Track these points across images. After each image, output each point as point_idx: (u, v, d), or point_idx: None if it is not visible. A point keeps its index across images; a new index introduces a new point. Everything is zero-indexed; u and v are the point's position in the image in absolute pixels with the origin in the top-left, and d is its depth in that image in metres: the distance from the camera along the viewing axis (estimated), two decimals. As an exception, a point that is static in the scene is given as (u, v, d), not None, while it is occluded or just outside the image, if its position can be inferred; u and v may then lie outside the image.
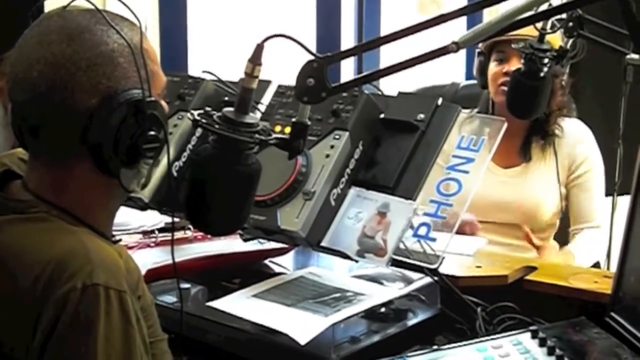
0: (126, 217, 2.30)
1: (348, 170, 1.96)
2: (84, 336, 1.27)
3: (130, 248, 2.21)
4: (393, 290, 1.98)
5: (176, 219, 2.13)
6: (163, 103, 1.49)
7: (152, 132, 1.41)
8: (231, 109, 1.51)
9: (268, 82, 2.16)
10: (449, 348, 1.66)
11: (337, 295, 1.92)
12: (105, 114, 1.36)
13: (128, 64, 1.39)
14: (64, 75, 1.35)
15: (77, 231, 1.38)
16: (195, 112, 1.51)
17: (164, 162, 1.91)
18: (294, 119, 1.58)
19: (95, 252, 1.33)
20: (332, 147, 1.94)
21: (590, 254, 2.82)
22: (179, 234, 2.32)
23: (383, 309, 1.90)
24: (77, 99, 1.36)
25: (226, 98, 2.16)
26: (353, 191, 1.95)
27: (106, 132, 1.37)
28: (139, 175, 1.44)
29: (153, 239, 2.31)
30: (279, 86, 2.14)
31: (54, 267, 1.29)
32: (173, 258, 1.59)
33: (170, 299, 1.92)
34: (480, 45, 2.91)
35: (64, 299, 1.27)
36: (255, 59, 1.48)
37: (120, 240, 1.53)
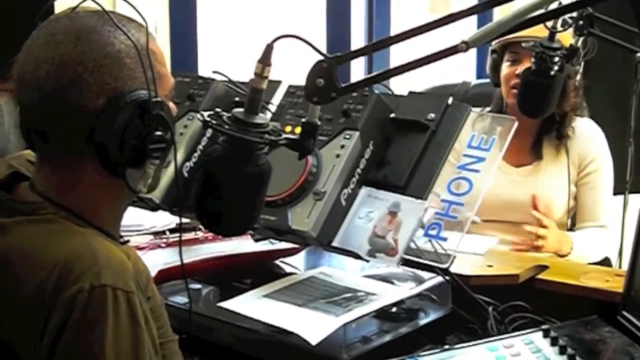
0: (137, 218, 2.30)
1: (359, 170, 1.96)
2: (93, 337, 1.27)
3: (142, 249, 2.21)
4: (404, 290, 1.98)
5: (187, 220, 2.14)
6: (171, 104, 1.49)
7: (159, 133, 1.41)
8: (241, 109, 1.51)
9: (278, 83, 2.16)
10: (461, 347, 1.66)
11: (349, 295, 1.92)
12: (111, 115, 1.37)
13: (135, 64, 1.40)
14: (70, 76, 1.36)
15: (84, 232, 1.38)
16: (205, 113, 1.52)
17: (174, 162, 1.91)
18: (304, 119, 1.58)
19: (103, 253, 1.33)
20: (342, 147, 1.94)
21: (588, 251, 2.80)
22: (190, 235, 2.32)
23: (394, 309, 1.90)
24: (84, 100, 1.36)
25: (237, 98, 2.17)
26: (364, 191, 1.95)
27: (112, 132, 1.37)
28: (146, 176, 1.44)
29: (164, 240, 2.31)
30: (289, 86, 2.14)
31: (61, 269, 1.29)
32: (181, 258, 1.59)
33: (181, 299, 1.92)
34: (492, 43, 2.90)
35: (72, 301, 1.27)
36: (265, 60, 1.48)
37: (128, 241, 1.53)
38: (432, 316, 1.94)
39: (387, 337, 1.84)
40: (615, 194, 2.93)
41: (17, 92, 1.41)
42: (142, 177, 1.44)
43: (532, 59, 2.23)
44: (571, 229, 2.94)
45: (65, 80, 1.36)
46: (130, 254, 1.47)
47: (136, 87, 1.39)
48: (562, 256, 2.73)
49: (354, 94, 1.99)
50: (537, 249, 2.65)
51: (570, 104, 2.83)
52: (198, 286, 2.01)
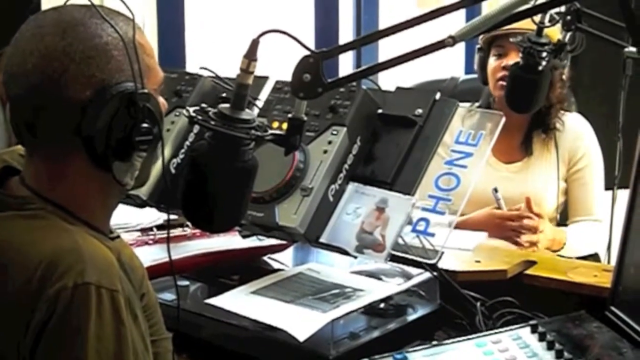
0: (124, 215, 2.29)
1: (346, 166, 1.95)
2: (75, 335, 1.26)
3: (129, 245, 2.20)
4: (392, 286, 1.97)
5: (175, 216, 2.13)
6: (161, 99, 1.48)
7: (145, 125, 1.40)
8: (227, 105, 1.50)
9: (266, 78, 2.16)
10: (449, 343, 1.66)
11: (336, 291, 1.92)
12: (98, 107, 1.36)
13: (122, 57, 1.39)
14: (57, 68, 1.35)
15: (71, 229, 1.37)
16: (191, 109, 1.51)
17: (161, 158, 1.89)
18: (290, 115, 1.57)
19: (88, 250, 1.32)
20: (329, 142, 1.94)
21: (583, 244, 2.81)
22: (177, 231, 2.31)
23: (382, 305, 1.90)
24: (71, 92, 1.35)
25: (223, 94, 2.16)
26: (351, 187, 1.95)
27: (99, 124, 1.36)
28: (133, 169, 1.43)
29: (151, 237, 2.30)
30: (277, 82, 2.14)
31: (46, 266, 1.28)
32: (169, 255, 1.58)
33: (168, 296, 1.91)
34: (479, 40, 2.90)
35: (55, 298, 1.26)
36: (251, 55, 1.47)
37: (118, 236, 1.52)
38: (420, 312, 1.94)
39: (375, 333, 1.84)
40: (604, 189, 2.93)
41: (5, 85, 1.41)
42: (129, 170, 1.43)
43: (520, 54, 2.23)
44: (562, 224, 2.94)
45: (51, 72, 1.35)
46: (124, 251, 1.47)
47: (123, 79, 1.39)
48: (554, 251, 2.73)
49: (342, 90, 1.99)
50: (533, 244, 2.65)
51: (556, 96, 2.83)
52: (186, 283, 2.00)
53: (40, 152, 1.43)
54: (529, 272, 2.11)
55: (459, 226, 2.49)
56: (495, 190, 2.74)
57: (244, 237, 2.13)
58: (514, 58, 2.64)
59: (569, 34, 2.20)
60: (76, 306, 1.26)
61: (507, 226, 2.72)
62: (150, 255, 2.07)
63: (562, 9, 2.15)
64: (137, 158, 1.42)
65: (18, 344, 1.28)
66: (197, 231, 2.31)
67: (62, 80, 1.36)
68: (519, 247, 2.66)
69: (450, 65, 4.62)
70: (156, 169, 1.86)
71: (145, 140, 1.41)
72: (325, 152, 1.93)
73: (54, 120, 1.38)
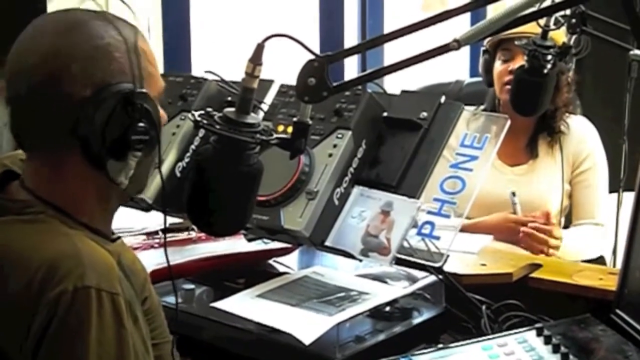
0: (130, 219, 2.30)
1: (351, 169, 1.95)
2: (76, 339, 1.27)
3: (134, 249, 2.20)
4: (398, 289, 1.97)
5: (180, 220, 2.14)
6: (161, 110, 1.48)
7: (142, 125, 1.40)
8: (232, 109, 1.51)
9: (271, 82, 2.16)
10: (455, 347, 1.66)
11: (342, 294, 1.92)
12: (95, 105, 1.36)
13: (124, 59, 1.40)
14: (59, 66, 1.36)
15: (70, 233, 1.37)
16: (197, 113, 1.51)
17: (167, 163, 1.90)
18: (295, 119, 1.58)
19: (88, 254, 1.32)
20: (335, 146, 1.94)
21: (581, 247, 2.80)
22: (183, 235, 2.31)
23: (388, 308, 1.90)
24: (71, 90, 1.36)
25: (229, 98, 2.16)
26: (356, 190, 1.95)
27: (95, 123, 1.36)
28: (127, 168, 1.42)
29: (156, 240, 2.30)
30: (282, 85, 2.14)
31: (45, 270, 1.29)
32: (167, 258, 1.58)
33: (174, 299, 1.92)
34: (485, 43, 2.90)
35: (56, 302, 1.27)
36: (256, 59, 1.48)
37: (119, 237, 1.52)
38: (426, 315, 1.94)
39: (381, 337, 1.84)
40: (609, 192, 2.93)
41: (7, 84, 1.41)
42: (124, 169, 1.42)
43: (525, 57, 2.23)
44: (566, 227, 2.94)
45: (53, 70, 1.36)
46: (126, 255, 1.47)
47: (123, 80, 1.39)
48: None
49: (347, 93, 1.99)
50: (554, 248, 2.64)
51: (562, 100, 2.84)
52: (191, 286, 2.00)
53: (39, 152, 1.43)
54: (534, 275, 2.11)
55: (472, 229, 2.52)
56: (513, 194, 2.73)
57: (250, 240, 2.13)
58: (520, 62, 2.62)
59: (574, 37, 2.20)
60: (77, 309, 1.27)
61: (520, 231, 2.70)
62: (155, 259, 2.07)
63: (567, 12, 2.15)
64: (132, 157, 1.41)
65: (20, 347, 1.28)
66: (203, 235, 2.31)
67: (63, 79, 1.36)
68: (536, 253, 2.64)
69: (455, 68, 4.62)
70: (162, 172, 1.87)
71: (141, 140, 1.40)
72: (330, 155, 1.93)
73: (51, 120, 1.38)
